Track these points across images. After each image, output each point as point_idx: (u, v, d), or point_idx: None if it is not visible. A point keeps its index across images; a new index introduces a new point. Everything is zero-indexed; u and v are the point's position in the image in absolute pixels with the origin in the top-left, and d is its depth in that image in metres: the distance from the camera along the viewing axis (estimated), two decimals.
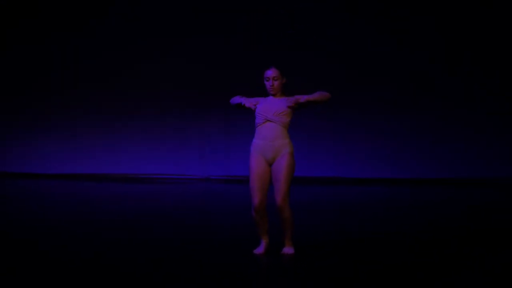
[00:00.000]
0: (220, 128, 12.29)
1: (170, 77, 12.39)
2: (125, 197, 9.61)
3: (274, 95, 5.14)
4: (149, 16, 12.31)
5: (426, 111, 11.97)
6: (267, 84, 5.13)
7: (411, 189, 10.86)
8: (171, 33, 12.30)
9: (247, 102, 5.22)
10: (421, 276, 4.44)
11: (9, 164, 12.65)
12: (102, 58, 12.44)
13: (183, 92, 12.39)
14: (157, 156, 12.46)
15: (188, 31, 12.29)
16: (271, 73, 5.11)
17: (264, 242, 5.19)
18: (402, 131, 12.00)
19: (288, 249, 5.16)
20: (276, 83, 5.11)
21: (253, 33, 12.15)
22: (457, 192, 10.46)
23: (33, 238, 5.92)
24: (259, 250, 5.17)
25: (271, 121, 5.05)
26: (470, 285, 4.24)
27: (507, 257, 5.14)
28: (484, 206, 8.62)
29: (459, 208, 8.45)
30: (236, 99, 5.30)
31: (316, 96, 5.08)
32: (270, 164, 5.07)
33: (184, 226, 6.71)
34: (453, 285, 4.25)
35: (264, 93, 5.24)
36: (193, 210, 8.15)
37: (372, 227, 6.62)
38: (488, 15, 11.65)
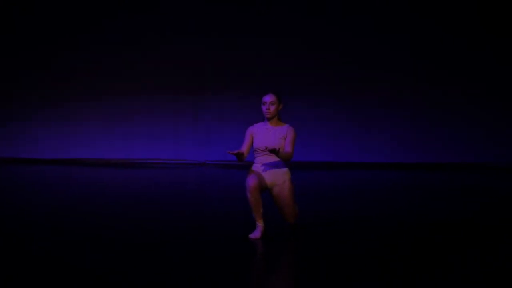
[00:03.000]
0: (216, 112, 12.24)
1: (165, 62, 12.32)
2: (120, 182, 9.57)
3: (269, 118, 5.40)
4: (145, 6, 12.20)
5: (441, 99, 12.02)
6: (264, 107, 5.39)
7: (429, 174, 10.85)
8: (167, 20, 12.21)
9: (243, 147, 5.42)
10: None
11: (3, 150, 12.59)
12: (96, 45, 12.35)
13: (180, 77, 12.32)
14: (153, 141, 12.42)
15: (185, 19, 12.19)
16: (268, 98, 5.38)
17: (260, 227, 5.24)
18: (415, 117, 12.06)
19: None
20: (272, 108, 5.37)
21: (252, 26, 12.13)
22: (476, 178, 10.48)
23: (28, 225, 5.88)
24: (255, 234, 5.22)
25: (266, 153, 5.33)
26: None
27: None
28: (495, 194, 8.60)
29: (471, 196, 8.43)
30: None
31: (288, 154, 5.31)
32: (267, 187, 5.36)
33: (179, 212, 6.68)
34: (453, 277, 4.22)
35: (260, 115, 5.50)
36: (189, 195, 8.11)
37: (379, 213, 6.60)
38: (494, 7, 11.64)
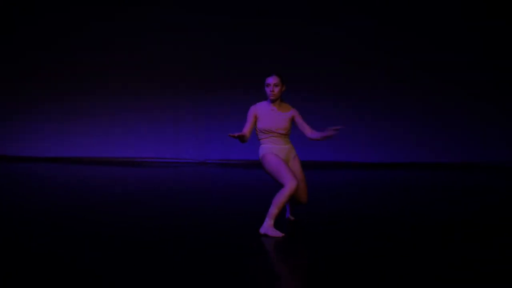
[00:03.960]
0: (216, 111, 12.21)
1: (166, 60, 12.29)
2: (120, 180, 9.55)
3: (273, 100, 5.48)
4: (144, 4, 12.19)
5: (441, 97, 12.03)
6: (268, 89, 5.44)
7: (432, 173, 10.83)
8: (167, 19, 12.18)
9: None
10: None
11: (4, 147, 12.57)
12: (96, 42, 12.32)
13: (180, 76, 12.29)
14: (153, 139, 12.39)
15: (185, 18, 12.16)
16: (272, 80, 5.43)
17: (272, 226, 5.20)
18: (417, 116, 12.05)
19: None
20: (276, 89, 5.42)
21: (250, 23, 12.09)
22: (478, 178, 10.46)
23: (27, 222, 5.87)
24: (277, 234, 5.17)
25: (274, 135, 5.47)
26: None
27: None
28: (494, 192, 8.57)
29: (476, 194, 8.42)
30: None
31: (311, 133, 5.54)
32: None
33: (180, 210, 6.66)
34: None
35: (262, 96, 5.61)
36: (188, 194, 8.09)
37: (381, 212, 6.57)
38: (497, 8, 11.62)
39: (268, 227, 5.12)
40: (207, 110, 12.27)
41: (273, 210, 5.11)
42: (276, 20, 11.98)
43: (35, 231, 5.43)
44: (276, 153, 5.40)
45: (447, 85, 11.99)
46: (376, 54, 11.97)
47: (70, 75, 12.43)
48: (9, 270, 4.16)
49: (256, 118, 5.49)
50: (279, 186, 5.31)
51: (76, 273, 4.11)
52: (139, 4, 12.22)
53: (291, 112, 5.52)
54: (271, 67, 11.56)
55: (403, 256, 4.68)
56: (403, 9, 11.85)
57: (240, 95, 12.00)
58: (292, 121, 5.53)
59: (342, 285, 3.94)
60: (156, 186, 8.96)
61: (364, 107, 12.09)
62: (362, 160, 12.12)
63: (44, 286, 3.84)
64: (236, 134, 5.15)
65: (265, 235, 5.11)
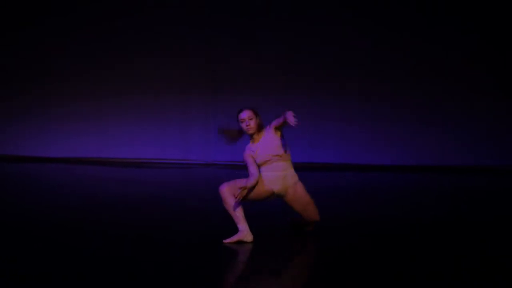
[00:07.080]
0: (225, 112, 12.21)
1: (174, 61, 12.30)
2: (126, 181, 9.57)
3: (252, 134, 5.30)
4: (153, 3, 12.21)
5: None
6: (243, 125, 5.30)
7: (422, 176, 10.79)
8: (176, 18, 12.19)
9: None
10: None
11: (7, 147, 12.60)
12: (103, 42, 12.35)
13: (188, 76, 12.30)
14: (160, 140, 12.40)
15: (195, 17, 12.18)
16: (245, 114, 5.30)
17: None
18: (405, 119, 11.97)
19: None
20: (252, 123, 5.28)
21: (265, 24, 12.09)
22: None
23: (29, 221, 5.90)
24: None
25: (274, 160, 5.23)
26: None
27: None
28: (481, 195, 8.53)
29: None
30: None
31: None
32: (279, 196, 5.29)
33: (186, 211, 6.67)
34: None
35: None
36: (196, 195, 8.10)
37: (382, 213, 6.56)
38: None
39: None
40: (216, 111, 12.27)
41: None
42: (282, 20, 11.95)
43: (34, 232, 5.46)
44: (271, 184, 5.23)
45: (449, 86, 11.90)
46: (376, 54, 11.90)
47: (76, 75, 12.43)
48: (9, 270, 4.19)
49: (253, 158, 5.30)
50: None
51: (75, 273, 4.13)
52: (147, 3, 12.23)
53: (269, 128, 5.29)
54: (272, 69, 11.67)
55: (405, 255, 4.67)
56: (403, 10, 11.79)
57: (249, 96, 12.00)
58: (278, 131, 5.28)
59: (343, 283, 3.94)
60: (163, 187, 8.98)
61: (365, 109, 12.02)
62: (364, 162, 12.05)
63: (44, 286, 3.86)
64: (249, 185, 5.15)
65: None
